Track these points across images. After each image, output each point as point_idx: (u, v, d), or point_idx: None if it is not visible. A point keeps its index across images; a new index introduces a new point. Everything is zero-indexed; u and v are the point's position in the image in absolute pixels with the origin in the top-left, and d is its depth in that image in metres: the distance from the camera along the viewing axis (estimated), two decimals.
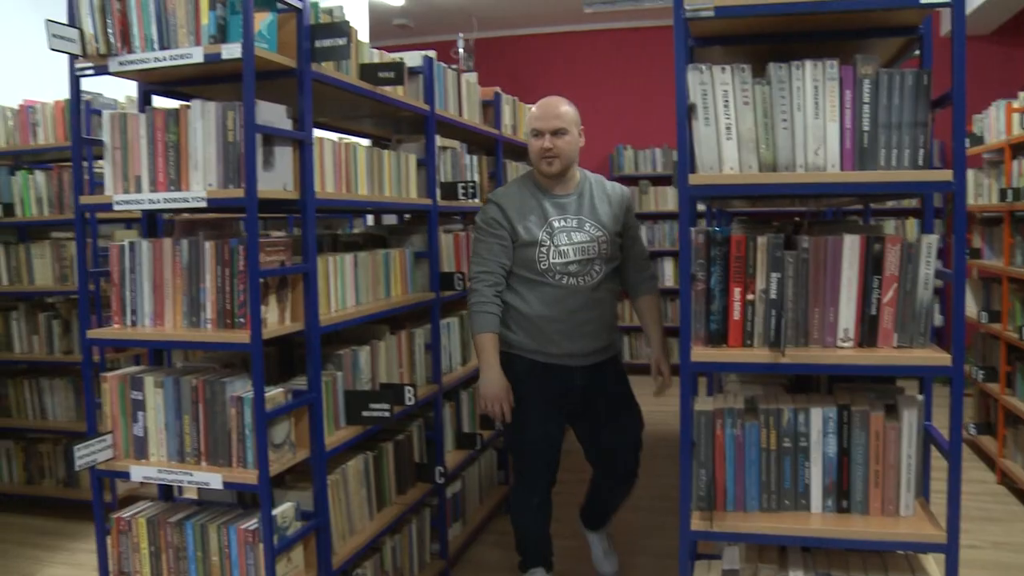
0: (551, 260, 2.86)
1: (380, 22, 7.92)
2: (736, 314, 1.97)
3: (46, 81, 2.79)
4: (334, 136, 4.44)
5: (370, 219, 5.10)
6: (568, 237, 2.87)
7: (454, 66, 4.05)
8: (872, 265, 1.90)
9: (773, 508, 2.01)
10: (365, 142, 4.31)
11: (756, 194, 1.94)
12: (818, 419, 1.97)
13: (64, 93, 4.06)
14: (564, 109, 2.89)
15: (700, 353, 1.96)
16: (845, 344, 1.93)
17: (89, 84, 4.05)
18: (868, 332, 1.92)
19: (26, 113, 4.32)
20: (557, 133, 2.85)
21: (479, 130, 4.26)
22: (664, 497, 4.36)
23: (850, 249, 1.90)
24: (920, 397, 2.04)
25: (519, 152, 5.32)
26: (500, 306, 2.93)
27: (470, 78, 4.30)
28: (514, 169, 4.76)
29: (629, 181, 8.01)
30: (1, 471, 4.62)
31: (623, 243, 3.01)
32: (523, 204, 2.92)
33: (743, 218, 3.96)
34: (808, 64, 1.87)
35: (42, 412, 4.49)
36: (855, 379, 2.24)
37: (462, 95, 4.09)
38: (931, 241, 1.89)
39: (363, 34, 7.11)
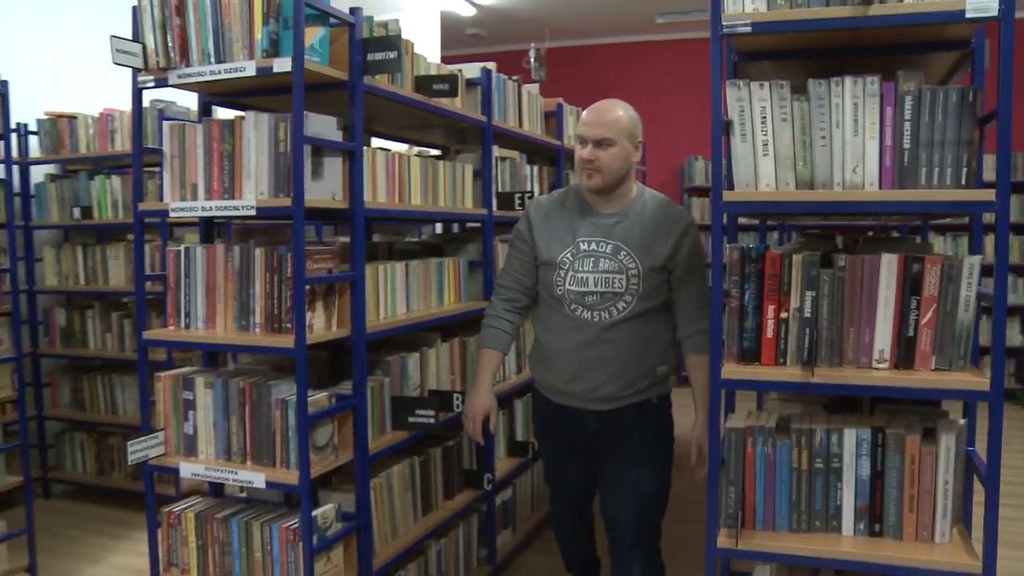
0: (567, 286, 2.52)
1: (453, 32, 8.02)
2: (769, 332, 1.95)
3: (124, 90, 2.94)
4: (403, 147, 4.55)
5: (439, 227, 5.15)
6: (593, 264, 2.49)
7: (515, 77, 4.08)
8: (910, 285, 1.86)
9: (803, 529, 1.97)
10: (435, 152, 4.38)
11: (792, 212, 1.92)
12: (851, 440, 1.93)
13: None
14: (615, 116, 2.48)
15: (731, 370, 1.95)
16: (880, 365, 1.89)
17: (164, 93, 4.21)
18: (905, 354, 1.88)
19: (105, 121, 4.51)
20: (602, 144, 2.45)
21: (540, 141, 4.29)
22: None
23: (887, 269, 1.86)
24: (962, 421, 1.99)
25: None
26: (511, 322, 2.72)
27: (532, 89, 4.33)
28: (575, 180, 4.76)
29: (700, 192, 7.94)
30: (75, 462, 4.82)
31: (672, 282, 2.54)
32: (556, 219, 2.61)
33: (812, 231, 3.90)
34: (848, 80, 1.84)
35: (113, 407, 4.67)
36: (899, 401, 2.19)
37: (523, 106, 4.13)
38: (973, 262, 1.84)
39: (435, 44, 7.23)
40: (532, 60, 7.85)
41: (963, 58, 2.20)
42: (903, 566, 1.87)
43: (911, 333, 1.87)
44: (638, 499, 2.55)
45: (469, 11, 7.61)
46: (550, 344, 2.60)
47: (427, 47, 7.13)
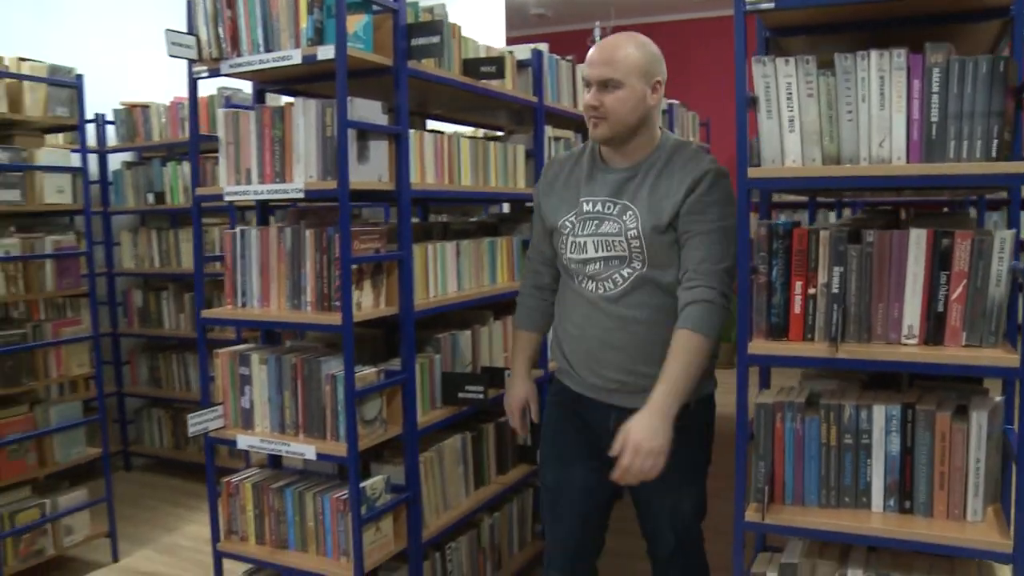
0: (570, 254, 2.20)
1: (518, 12, 8.05)
2: (797, 308, 1.95)
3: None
4: (469, 129, 4.61)
5: (507, 207, 5.18)
6: (596, 226, 2.14)
7: (569, 57, 4.10)
8: (940, 261, 1.84)
9: (832, 504, 1.98)
10: (499, 134, 4.44)
11: (819, 187, 1.91)
12: (880, 417, 1.92)
13: (209, 90, 4.40)
14: (624, 53, 2.05)
15: (758, 346, 1.96)
16: (909, 341, 1.88)
17: (229, 81, 4.35)
18: (934, 329, 1.86)
19: (176, 109, 4.69)
20: (608, 86, 2.05)
21: None
22: None
23: (916, 244, 1.85)
24: (998, 399, 1.96)
25: None
26: (540, 299, 2.41)
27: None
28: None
29: None
30: (152, 437, 5.06)
31: (680, 240, 2.08)
32: (567, 177, 2.26)
33: (884, 206, 3.84)
34: (874, 54, 1.82)
35: (187, 384, 4.88)
36: (938, 378, 2.16)
37: (577, 85, 4.14)
38: (1005, 236, 1.81)
39: (500, 26, 7.27)
40: (597, 39, 7.83)
41: (1005, 26, 2.15)
42: (933, 543, 1.86)
43: (941, 309, 1.85)
44: (679, 523, 2.22)
45: None
46: (561, 326, 2.29)
47: (492, 29, 7.19)
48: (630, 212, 2.10)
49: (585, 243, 2.16)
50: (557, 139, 3.89)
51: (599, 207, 2.16)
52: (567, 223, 2.20)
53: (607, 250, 2.12)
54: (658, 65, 2.11)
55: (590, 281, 2.17)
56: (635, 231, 2.08)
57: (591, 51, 2.10)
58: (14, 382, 3.42)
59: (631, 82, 2.05)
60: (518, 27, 8.31)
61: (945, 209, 3.88)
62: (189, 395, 4.83)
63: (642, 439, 1.91)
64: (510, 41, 7.64)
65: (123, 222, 5.13)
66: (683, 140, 2.21)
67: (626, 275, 2.11)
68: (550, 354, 2.41)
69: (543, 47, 3.71)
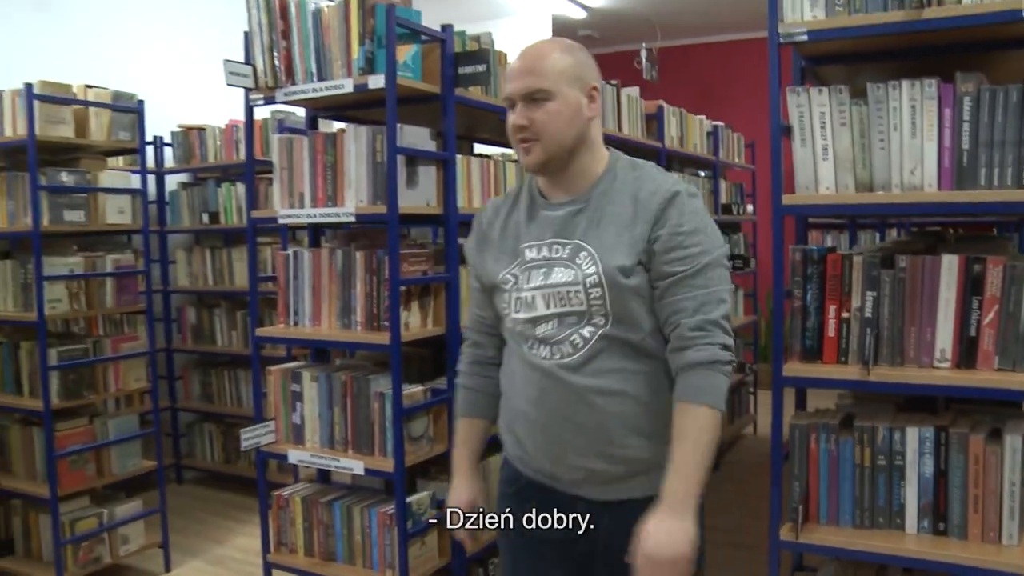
0: (515, 314, 1.73)
1: (566, 34, 8.14)
2: (831, 331, 2.00)
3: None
4: (512, 151, 4.70)
5: None
6: (544, 275, 1.69)
7: (614, 81, 4.18)
8: (972, 286, 1.88)
9: (866, 525, 2.01)
10: None
11: (852, 213, 1.96)
12: (914, 439, 1.95)
13: (263, 113, 4.55)
14: (551, 59, 1.67)
15: (793, 368, 2.01)
16: (942, 364, 1.92)
17: (282, 105, 4.49)
18: (966, 353, 1.90)
19: (231, 132, 4.85)
20: (535, 99, 1.65)
21: (639, 143, 4.37)
22: None
23: (948, 269, 1.89)
24: None
25: (685, 162, 5.38)
26: (485, 377, 1.91)
27: (631, 92, 4.42)
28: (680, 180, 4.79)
29: None
30: (204, 450, 5.20)
31: (654, 281, 1.65)
32: (504, 223, 1.82)
33: (932, 227, 3.85)
34: (905, 84, 1.87)
35: (238, 400, 5.02)
36: (974, 402, 2.19)
37: (622, 110, 4.22)
38: None
39: None
40: (644, 60, 7.89)
41: None
42: (967, 566, 1.88)
43: (973, 333, 1.89)
44: None
45: (580, 14, 7.73)
46: (510, 403, 1.80)
47: None
48: (584, 253, 1.67)
49: (533, 298, 1.69)
50: None
51: (545, 252, 1.72)
52: (508, 276, 1.75)
53: (561, 305, 1.67)
54: (591, 70, 1.74)
55: (542, 346, 1.70)
56: (595, 276, 1.64)
57: (511, 63, 1.72)
58: (76, 395, 3.57)
59: (562, 91, 1.66)
60: None
61: (994, 230, 3.87)
62: (240, 410, 4.96)
63: (657, 549, 1.53)
64: None
65: (178, 241, 5.31)
66: (637, 160, 1.78)
67: (587, 335, 1.66)
68: (499, 434, 1.87)
69: None
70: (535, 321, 1.69)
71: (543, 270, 1.70)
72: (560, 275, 1.67)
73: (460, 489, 1.89)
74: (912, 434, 1.96)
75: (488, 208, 1.89)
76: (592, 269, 1.64)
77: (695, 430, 1.57)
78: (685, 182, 1.71)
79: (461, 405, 1.94)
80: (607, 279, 1.63)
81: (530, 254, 1.73)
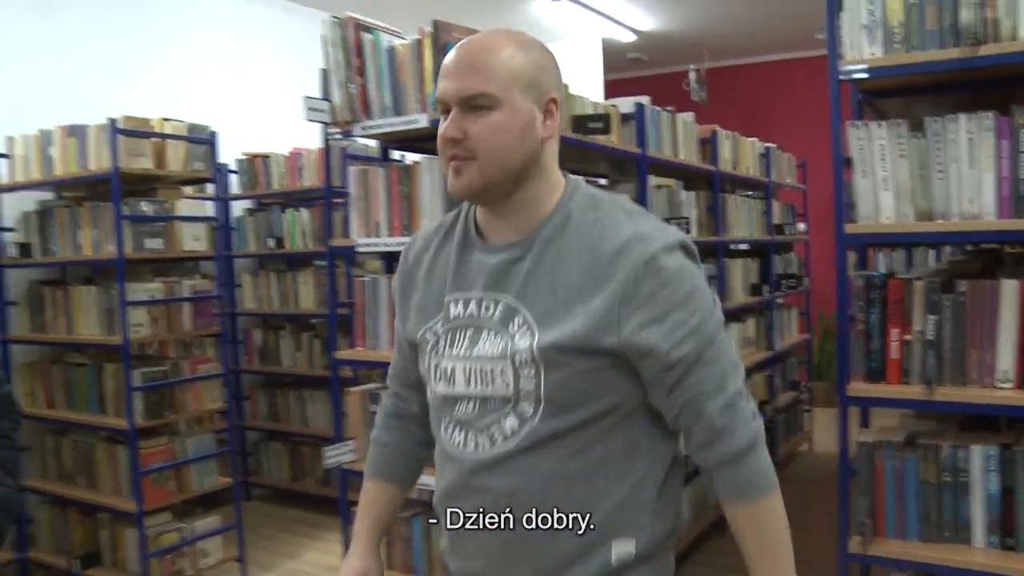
0: (434, 384, 1.39)
1: (615, 56, 8.28)
2: (894, 353, 2.09)
3: (310, 130, 3.43)
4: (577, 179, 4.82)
5: None
6: (470, 341, 1.33)
7: (669, 108, 4.29)
8: None
9: (933, 539, 2.09)
10: (602, 181, 4.65)
11: (913, 241, 2.05)
12: (979, 456, 2.04)
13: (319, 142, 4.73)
14: (500, 57, 1.26)
15: (857, 388, 2.10)
16: (1004, 385, 2.00)
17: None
18: None
19: (295, 159, 5.05)
20: (473, 106, 1.26)
21: (694, 167, 4.47)
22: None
23: (1008, 294, 1.97)
24: None
25: (737, 184, 5.46)
26: (404, 433, 1.58)
27: (687, 118, 4.53)
28: (732, 202, 4.88)
29: None
30: (272, 468, 5.37)
31: (645, 373, 1.28)
32: (433, 259, 1.44)
33: (973, 246, 3.91)
34: (963, 117, 1.97)
35: (304, 419, 5.18)
36: None
37: (678, 135, 4.33)
38: None
39: (598, 70, 7.59)
40: (692, 81, 8.00)
41: None
42: None
43: None
44: None
45: (629, 37, 7.86)
46: (439, 496, 1.42)
47: (590, 73, 7.52)
48: (519, 319, 1.29)
49: (452, 370, 1.34)
50: (659, 187, 4.08)
51: (473, 308, 1.34)
52: (429, 336, 1.39)
53: (483, 384, 1.31)
54: (552, 75, 1.33)
55: (459, 430, 1.35)
56: (526, 352, 1.26)
57: (448, 55, 1.31)
58: (157, 415, 3.75)
59: (512, 99, 1.26)
60: (616, 71, 8.54)
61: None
62: (306, 429, 5.13)
63: None
64: (608, 84, 7.90)
65: (244, 265, 5.51)
66: (599, 194, 1.37)
67: (508, 429, 1.29)
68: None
69: (644, 100, 3.91)
70: (454, 400, 1.35)
71: (469, 333, 1.33)
72: (487, 345, 1.30)
73: (353, 558, 1.54)
74: (977, 452, 2.04)
75: (416, 240, 1.50)
76: (525, 343, 1.26)
77: (768, 530, 1.30)
78: (667, 231, 1.29)
79: (370, 464, 1.61)
80: (541, 356, 1.25)
81: (455, 310, 1.36)
